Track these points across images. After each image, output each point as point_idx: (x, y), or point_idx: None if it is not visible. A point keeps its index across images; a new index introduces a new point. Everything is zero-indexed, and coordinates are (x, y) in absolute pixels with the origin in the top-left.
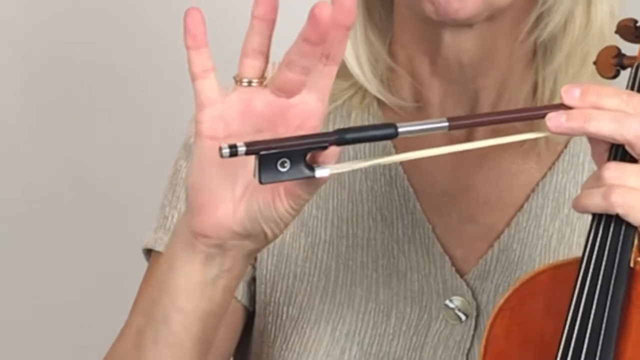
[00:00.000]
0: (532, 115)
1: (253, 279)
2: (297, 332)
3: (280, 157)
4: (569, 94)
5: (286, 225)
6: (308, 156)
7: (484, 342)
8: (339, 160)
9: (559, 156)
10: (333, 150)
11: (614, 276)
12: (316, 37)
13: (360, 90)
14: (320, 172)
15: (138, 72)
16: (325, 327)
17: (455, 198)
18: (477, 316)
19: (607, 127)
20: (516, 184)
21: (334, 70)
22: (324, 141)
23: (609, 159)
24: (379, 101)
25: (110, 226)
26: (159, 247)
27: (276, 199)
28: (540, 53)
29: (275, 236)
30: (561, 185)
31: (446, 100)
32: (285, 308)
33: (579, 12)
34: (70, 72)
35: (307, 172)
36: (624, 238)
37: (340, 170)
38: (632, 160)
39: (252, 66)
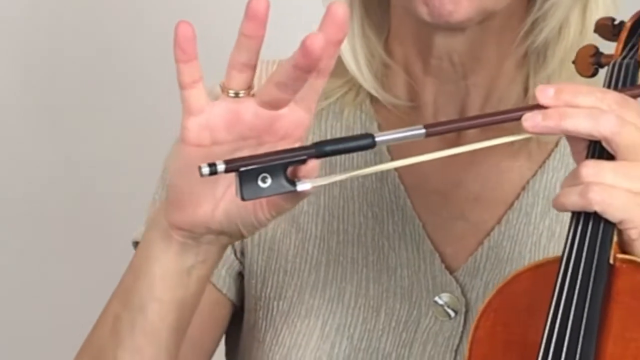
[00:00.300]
0: (510, 118)
1: (239, 274)
2: (287, 326)
3: (261, 172)
4: (544, 93)
5: (263, 227)
6: (289, 170)
7: (468, 344)
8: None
9: (549, 155)
10: (313, 163)
11: (593, 273)
12: (307, 67)
13: (354, 87)
14: (301, 186)
15: (138, 72)
16: (316, 322)
17: (446, 195)
18: (467, 312)
19: (583, 124)
20: (507, 182)
21: (323, 83)
22: (302, 154)
23: (587, 157)
24: (372, 99)
25: (111, 226)
26: None
27: (257, 208)
28: (533, 57)
29: (251, 234)
30: (551, 183)
31: (438, 99)
32: (275, 303)
33: (574, 17)
34: (70, 72)
35: (288, 187)
36: (603, 235)
37: (321, 183)
38: (609, 157)
39: (239, 78)
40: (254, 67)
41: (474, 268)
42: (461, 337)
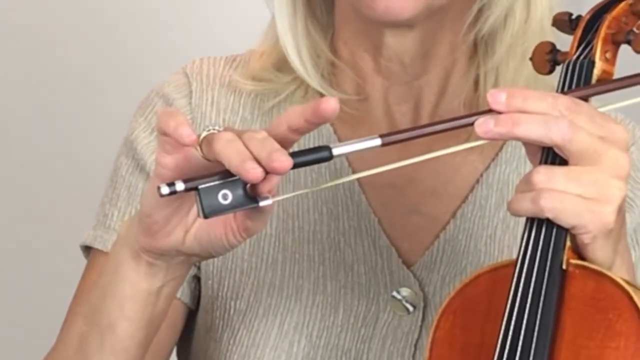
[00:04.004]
0: (464, 123)
1: (194, 277)
2: (244, 326)
3: (220, 189)
4: (495, 98)
5: (234, 248)
6: (248, 186)
7: (429, 344)
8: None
9: (501, 148)
10: (272, 178)
11: (546, 278)
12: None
13: (302, 84)
14: (263, 202)
15: (138, 72)
16: (274, 321)
17: (401, 190)
18: (425, 307)
19: (535, 131)
20: (461, 176)
21: (298, 139)
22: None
23: (541, 160)
24: (321, 95)
25: None
26: (98, 245)
27: (228, 232)
28: (481, 48)
29: (221, 255)
30: (504, 176)
31: (389, 96)
32: (232, 302)
33: (519, 6)
34: (70, 72)
35: (249, 202)
36: (556, 240)
37: (283, 198)
38: (563, 160)
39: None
40: None
41: (430, 262)
42: (420, 332)
